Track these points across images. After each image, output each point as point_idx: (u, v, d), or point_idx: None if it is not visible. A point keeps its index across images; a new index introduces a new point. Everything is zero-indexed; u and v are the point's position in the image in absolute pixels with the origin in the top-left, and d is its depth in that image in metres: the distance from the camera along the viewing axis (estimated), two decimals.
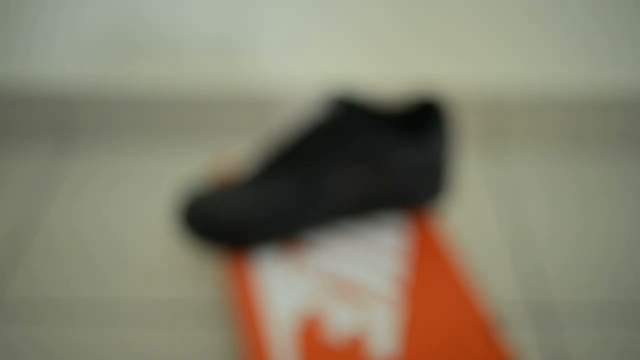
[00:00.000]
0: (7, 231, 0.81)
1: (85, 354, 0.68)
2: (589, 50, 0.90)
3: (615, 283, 0.75)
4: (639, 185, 0.88)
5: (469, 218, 0.82)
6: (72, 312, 0.72)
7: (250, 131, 0.90)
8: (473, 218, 0.82)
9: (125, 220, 0.82)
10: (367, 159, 0.70)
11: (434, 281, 0.69)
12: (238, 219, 0.71)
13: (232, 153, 0.87)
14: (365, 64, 0.92)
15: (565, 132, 0.93)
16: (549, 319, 0.72)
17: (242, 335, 0.66)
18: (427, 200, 0.74)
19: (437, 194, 0.74)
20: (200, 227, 0.71)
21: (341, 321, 0.66)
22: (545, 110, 0.92)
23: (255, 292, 0.68)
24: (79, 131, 0.94)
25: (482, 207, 0.84)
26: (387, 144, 0.70)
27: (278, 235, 0.71)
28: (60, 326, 0.71)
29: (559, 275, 0.76)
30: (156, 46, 0.91)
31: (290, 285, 0.69)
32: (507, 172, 0.90)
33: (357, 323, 0.66)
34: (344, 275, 0.70)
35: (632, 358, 0.68)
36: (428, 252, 0.72)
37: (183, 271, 0.76)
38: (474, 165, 0.89)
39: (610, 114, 0.92)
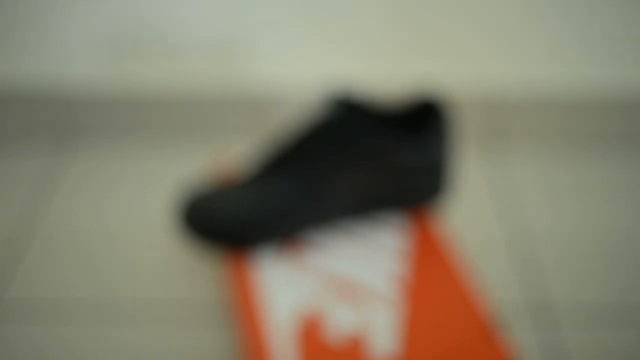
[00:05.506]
0: (6, 231, 0.81)
1: (85, 355, 0.68)
2: (589, 50, 0.90)
3: (615, 283, 0.75)
4: (638, 185, 0.88)
5: (469, 218, 0.82)
6: (72, 313, 0.72)
7: (250, 131, 0.90)
8: (473, 218, 0.82)
9: (125, 220, 0.82)
10: (367, 159, 0.70)
11: (434, 281, 0.69)
12: (238, 219, 0.71)
13: (232, 153, 0.87)
14: (365, 64, 0.92)
15: (565, 132, 0.93)
16: (549, 318, 0.72)
17: (242, 336, 0.66)
18: (427, 200, 0.74)
19: (437, 193, 0.74)
20: (200, 227, 0.71)
21: (341, 321, 0.66)
22: (545, 110, 0.92)
23: (255, 292, 0.68)
24: (79, 131, 0.94)
25: (482, 207, 0.84)
26: (387, 144, 0.70)
27: (278, 235, 0.71)
28: (60, 326, 0.71)
29: (559, 275, 0.76)
30: (156, 46, 0.91)
31: (290, 285, 0.69)
32: (507, 172, 0.90)
33: (357, 323, 0.66)
34: (344, 275, 0.70)
35: (631, 358, 0.68)
36: (428, 252, 0.72)
37: (183, 271, 0.76)
38: (474, 165, 0.89)
39: (610, 114, 0.92)
